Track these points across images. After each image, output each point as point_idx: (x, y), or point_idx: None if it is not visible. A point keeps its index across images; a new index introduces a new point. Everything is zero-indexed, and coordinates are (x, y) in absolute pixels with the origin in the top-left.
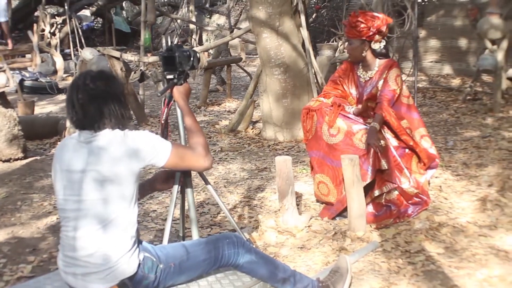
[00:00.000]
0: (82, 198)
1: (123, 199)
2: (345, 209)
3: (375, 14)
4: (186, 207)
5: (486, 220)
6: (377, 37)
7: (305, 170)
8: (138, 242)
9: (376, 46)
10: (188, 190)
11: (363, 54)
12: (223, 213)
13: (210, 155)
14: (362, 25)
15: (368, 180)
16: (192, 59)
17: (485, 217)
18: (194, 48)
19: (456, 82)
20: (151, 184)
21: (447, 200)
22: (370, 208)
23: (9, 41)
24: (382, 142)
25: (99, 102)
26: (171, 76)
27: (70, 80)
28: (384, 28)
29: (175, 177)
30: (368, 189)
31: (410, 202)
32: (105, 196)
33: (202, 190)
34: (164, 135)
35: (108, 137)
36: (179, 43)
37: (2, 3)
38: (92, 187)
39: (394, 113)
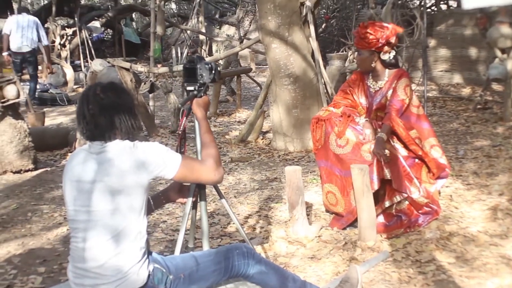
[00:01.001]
0: (91, 209)
1: (132, 210)
2: (355, 219)
3: (384, 24)
4: (197, 218)
5: (497, 229)
6: (386, 48)
7: (315, 180)
8: (148, 253)
9: (385, 57)
10: (202, 203)
11: (372, 65)
12: (233, 223)
13: (221, 168)
14: (371, 36)
15: (375, 187)
16: (213, 72)
17: (496, 226)
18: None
19: (466, 91)
20: (166, 194)
21: (458, 209)
22: (381, 218)
23: (49, 66)
24: (387, 151)
25: (110, 113)
26: (191, 88)
27: (80, 91)
28: (393, 39)
29: (189, 189)
30: (378, 200)
31: (420, 211)
32: (114, 207)
33: (212, 201)
34: (182, 146)
35: (117, 148)
36: (190, 54)
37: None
38: (101, 198)
39: (402, 123)
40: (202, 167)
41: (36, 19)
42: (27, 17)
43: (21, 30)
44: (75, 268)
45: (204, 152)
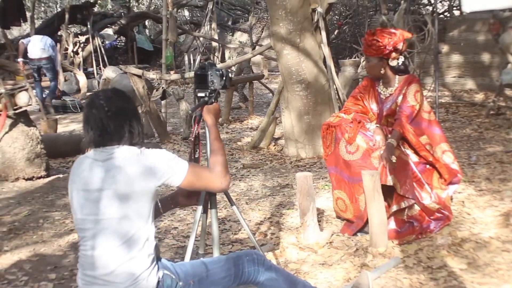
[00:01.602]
0: (99, 217)
1: (140, 217)
2: (367, 225)
3: (392, 30)
4: (208, 224)
5: (509, 235)
6: (393, 54)
7: (327, 187)
8: (157, 259)
9: (393, 63)
10: (213, 210)
11: (381, 72)
12: (245, 230)
13: (228, 176)
14: (378, 44)
15: None
16: (224, 78)
17: (508, 232)
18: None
19: (479, 97)
20: (174, 198)
21: (470, 215)
22: (393, 224)
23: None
24: (394, 158)
25: (117, 119)
26: (202, 94)
27: None
28: (400, 45)
29: (197, 193)
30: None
31: (432, 217)
32: (122, 214)
33: (224, 207)
34: (195, 152)
35: (124, 155)
36: (202, 61)
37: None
38: (109, 206)
39: (412, 129)
40: (209, 175)
41: (54, 44)
42: (47, 38)
43: (39, 40)
44: (84, 275)
45: (212, 159)
